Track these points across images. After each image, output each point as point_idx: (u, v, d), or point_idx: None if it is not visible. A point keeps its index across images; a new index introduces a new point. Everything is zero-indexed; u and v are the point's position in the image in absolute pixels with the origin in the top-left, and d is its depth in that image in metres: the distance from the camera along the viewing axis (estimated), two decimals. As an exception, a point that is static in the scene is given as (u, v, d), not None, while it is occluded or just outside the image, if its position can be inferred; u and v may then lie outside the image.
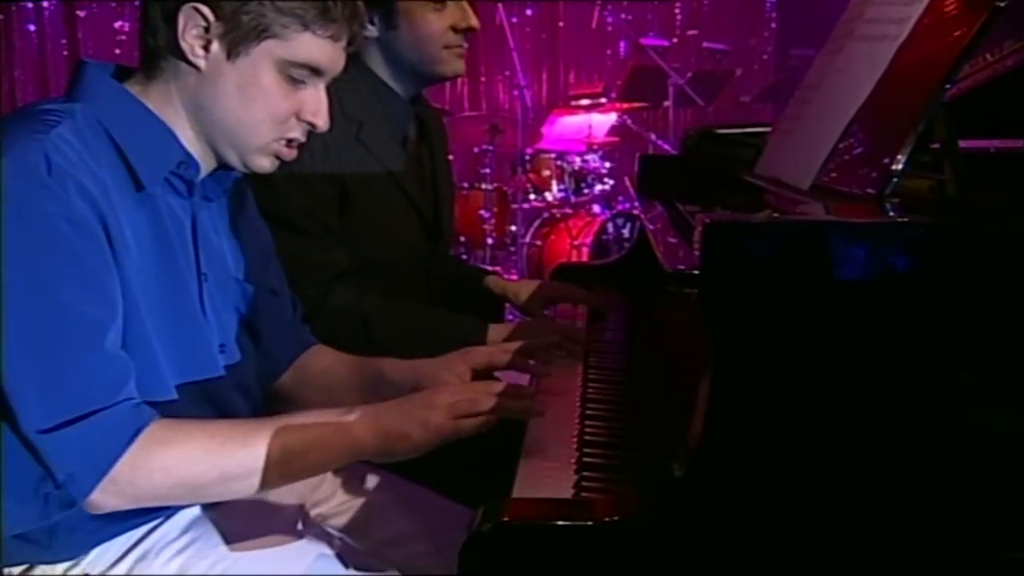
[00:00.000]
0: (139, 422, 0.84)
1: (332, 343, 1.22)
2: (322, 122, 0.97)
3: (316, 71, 0.95)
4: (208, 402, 0.96)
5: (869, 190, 0.92)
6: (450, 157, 1.63)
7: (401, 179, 1.41)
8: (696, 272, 0.74)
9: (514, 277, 4.44)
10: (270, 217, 1.16)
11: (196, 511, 0.98)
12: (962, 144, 0.91)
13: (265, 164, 0.98)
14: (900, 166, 0.89)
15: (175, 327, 0.92)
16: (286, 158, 0.99)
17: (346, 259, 1.35)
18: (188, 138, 0.95)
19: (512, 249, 4.45)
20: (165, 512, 0.95)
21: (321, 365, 1.16)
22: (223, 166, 0.99)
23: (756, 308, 0.74)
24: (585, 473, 0.88)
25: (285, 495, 1.06)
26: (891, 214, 0.85)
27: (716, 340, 0.74)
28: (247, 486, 0.87)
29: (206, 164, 0.97)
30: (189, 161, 0.95)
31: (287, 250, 1.20)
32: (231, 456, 0.85)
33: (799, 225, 0.76)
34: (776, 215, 0.90)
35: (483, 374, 1.10)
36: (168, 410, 0.88)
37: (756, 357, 0.74)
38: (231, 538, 0.96)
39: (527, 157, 4.41)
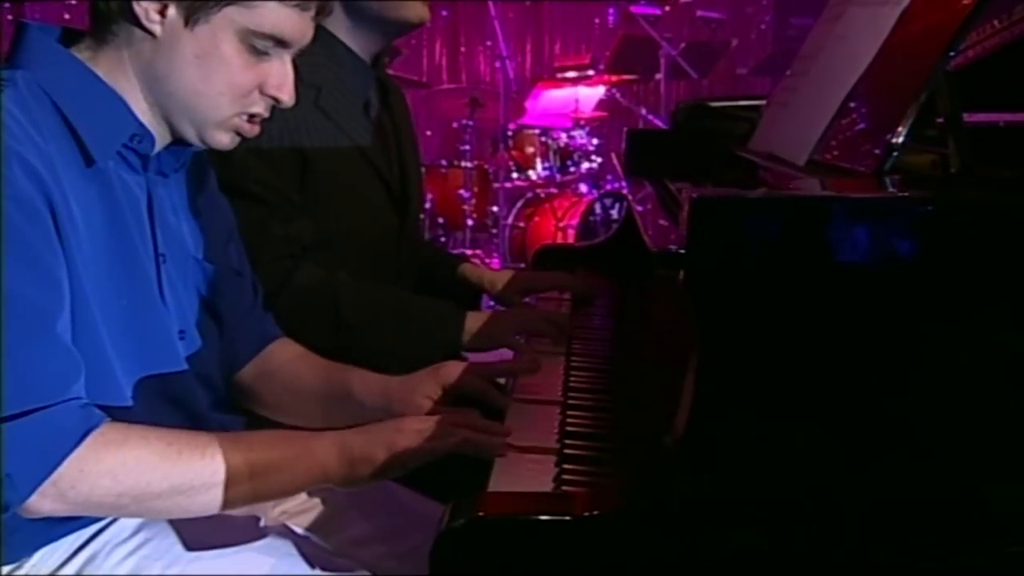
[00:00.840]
0: (89, 423, 0.82)
1: (298, 323, 1.21)
2: (287, 97, 0.96)
3: (281, 42, 0.93)
4: (166, 396, 0.95)
5: (868, 165, 0.92)
6: (427, 133, 1.62)
7: (364, 148, 1.40)
8: (682, 252, 0.74)
9: (495, 261, 4.44)
10: (228, 188, 1.15)
11: (150, 509, 0.96)
12: (968, 117, 0.91)
13: (224, 140, 0.96)
14: (901, 139, 0.89)
15: (130, 316, 0.90)
16: (247, 134, 0.97)
17: (310, 233, 1.34)
18: (142, 109, 0.93)
19: (493, 231, 4.44)
20: (113, 512, 0.94)
21: (284, 357, 1.15)
22: (180, 140, 0.97)
23: (746, 290, 0.74)
24: (566, 466, 0.88)
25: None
26: (891, 189, 0.85)
27: (703, 325, 0.74)
28: (200, 503, 0.85)
29: (161, 137, 0.95)
30: (143, 133, 0.93)
31: (247, 223, 1.19)
32: (187, 466, 0.84)
33: (792, 201, 0.76)
34: (768, 191, 0.90)
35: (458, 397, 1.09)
36: (121, 412, 0.86)
37: (745, 343, 0.74)
38: (188, 538, 0.95)
39: (509, 133, 4.40)
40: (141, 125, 0.93)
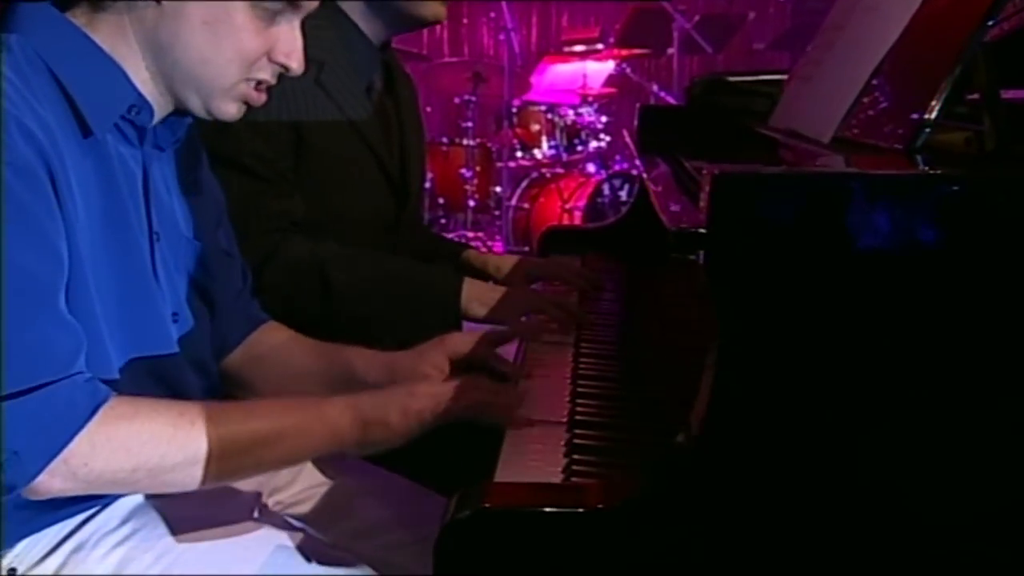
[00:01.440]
0: (97, 397, 0.82)
1: (286, 295, 1.21)
2: (296, 64, 0.95)
3: (293, 3, 0.92)
4: (157, 378, 0.95)
5: (898, 143, 0.91)
6: (428, 109, 1.61)
7: (363, 130, 1.40)
8: (702, 232, 0.73)
9: (498, 244, 4.44)
10: (221, 159, 1.15)
11: (138, 498, 0.97)
12: (1006, 93, 0.90)
13: (231, 110, 0.96)
14: (933, 115, 0.88)
15: (124, 295, 0.90)
16: (254, 103, 0.97)
17: (302, 209, 1.34)
18: (141, 79, 0.92)
19: (496, 213, 4.44)
20: (103, 500, 0.94)
21: (274, 341, 1.15)
22: (177, 111, 0.96)
23: (769, 273, 0.73)
24: (576, 456, 0.88)
25: (240, 482, 1.05)
26: (922, 168, 0.84)
27: (723, 310, 0.73)
28: (215, 472, 0.86)
29: (160, 109, 0.95)
30: (142, 104, 0.92)
31: (239, 195, 1.19)
32: (201, 436, 0.84)
33: (818, 178, 0.75)
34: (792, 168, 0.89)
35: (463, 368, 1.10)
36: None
37: (768, 329, 0.73)
38: (178, 528, 0.95)
39: (514, 110, 4.38)
40: (140, 96, 0.92)
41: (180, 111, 0.96)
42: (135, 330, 0.92)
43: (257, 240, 1.26)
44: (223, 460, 0.85)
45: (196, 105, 0.94)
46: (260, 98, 0.97)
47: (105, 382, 0.86)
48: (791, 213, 0.73)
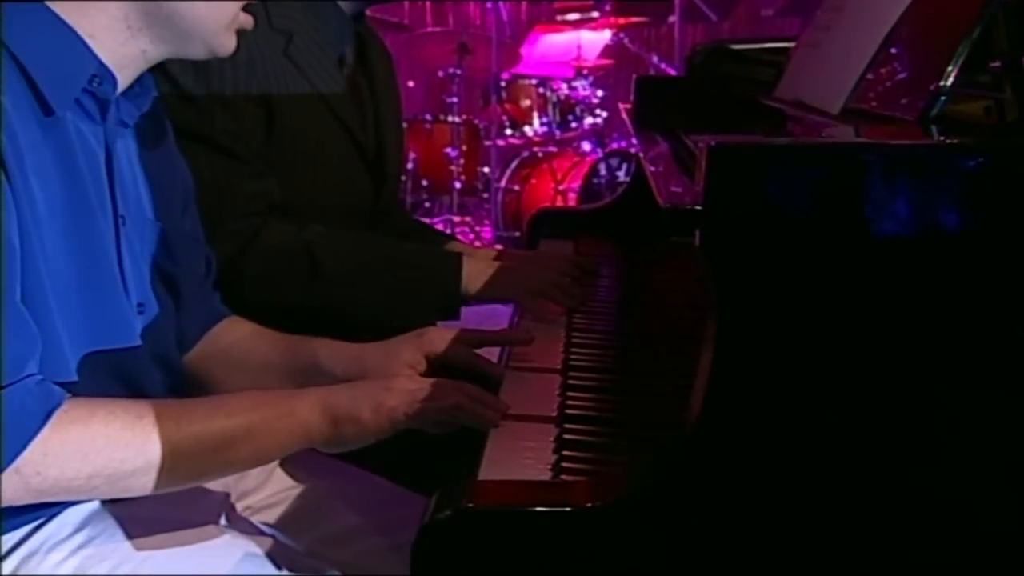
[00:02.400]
0: (50, 401, 0.82)
1: (270, 283, 1.21)
2: None
3: None
4: (117, 377, 0.94)
5: (911, 113, 0.91)
6: (409, 83, 1.61)
7: (335, 106, 1.39)
8: (698, 209, 0.73)
9: (486, 230, 4.44)
10: (192, 138, 1.16)
11: (94, 504, 0.97)
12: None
13: (233, 43, 0.97)
14: (949, 82, 0.88)
15: (84, 286, 0.90)
16: (247, 27, 0.99)
17: (276, 192, 1.34)
18: (107, 44, 0.91)
19: (484, 195, 4.44)
20: (55, 507, 0.94)
21: (235, 335, 1.15)
22: (138, 82, 0.96)
23: (771, 253, 0.73)
24: (566, 452, 0.88)
25: (208, 484, 1.05)
26: (938, 138, 0.85)
27: (721, 294, 0.74)
28: (178, 476, 0.86)
29: (124, 77, 0.94)
30: (104, 75, 0.92)
31: (211, 175, 1.18)
32: (162, 439, 0.84)
33: (823, 149, 0.75)
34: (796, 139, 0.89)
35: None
36: (67, 390, 0.86)
37: (770, 314, 0.74)
38: (138, 534, 0.95)
39: (502, 84, 4.38)
40: (101, 65, 0.91)
41: (140, 81, 0.96)
42: (95, 323, 0.91)
43: (234, 224, 1.26)
44: (187, 463, 0.85)
45: (198, 48, 0.95)
46: (249, 21, 0.99)
47: (61, 384, 0.85)
48: (794, 187, 0.73)
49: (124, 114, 0.97)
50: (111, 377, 0.94)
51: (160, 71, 1.08)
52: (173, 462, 0.85)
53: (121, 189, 0.95)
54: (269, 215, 1.32)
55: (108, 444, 0.83)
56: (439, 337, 1.08)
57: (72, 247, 0.88)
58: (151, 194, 1.03)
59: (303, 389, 0.94)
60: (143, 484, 0.86)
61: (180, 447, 0.85)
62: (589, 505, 0.74)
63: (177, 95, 1.22)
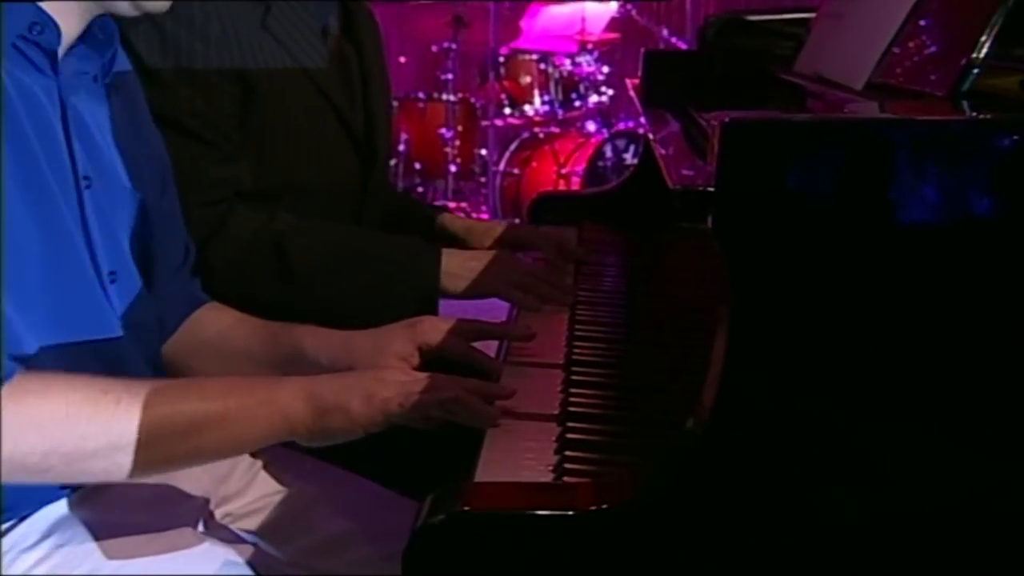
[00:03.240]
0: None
1: (235, 276, 1.21)
2: None
3: None
4: (91, 354, 0.93)
5: (941, 87, 0.91)
6: (401, 59, 1.60)
7: (320, 80, 1.39)
8: (710, 191, 0.73)
9: (484, 218, 4.44)
10: (157, 119, 1.15)
11: (62, 508, 0.97)
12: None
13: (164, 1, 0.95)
14: (982, 54, 0.88)
15: (38, 251, 0.88)
16: None
17: (249, 177, 1.34)
18: None
19: (482, 180, 4.44)
20: (19, 511, 0.94)
21: (217, 325, 1.15)
22: (99, 31, 0.95)
23: (788, 237, 0.73)
24: (568, 452, 0.88)
25: (183, 486, 1.06)
26: (969, 113, 0.85)
27: (735, 282, 0.74)
28: (143, 461, 0.85)
29: (65, 26, 0.93)
30: (44, 21, 0.91)
31: (178, 159, 1.18)
32: (127, 417, 0.83)
33: (845, 125, 0.75)
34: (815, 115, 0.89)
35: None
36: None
37: (786, 303, 0.74)
38: (110, 542, 0.95)
39: (501, 59, 4.37)
40: (40, 11, 0.91)
41: (101, 28, 0.95)
42: (56, 293, 0.90)
43: (198, 213, 1.26)
44: (154, 446, 0.84)
45: (124, 6, 0.93)
46: None
47: (18, 358, 0.85)
48: (814, 168, 0.73)
49: (79, 67, 0.96)
50: (83, 355, 0.92)
51: (126, 48, 1.08)
52: (139, 443, 0.84)
53: (87, 148, 0.95)
54: (236, 202, 1.32)
55: (67, 418, 0.82)
56: (433, 328, 1.08)
57: (17, 211, 0.87)
58: (126, 164, 1.03)
59: (287, 378, 0.94)
60: (104, 467, 0.84)
61: (148, 428, 0.84)
62: (593, 509, 0.74)
63: (143, 73, 1.22)
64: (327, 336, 1.10)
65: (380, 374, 0.94)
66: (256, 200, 1.34)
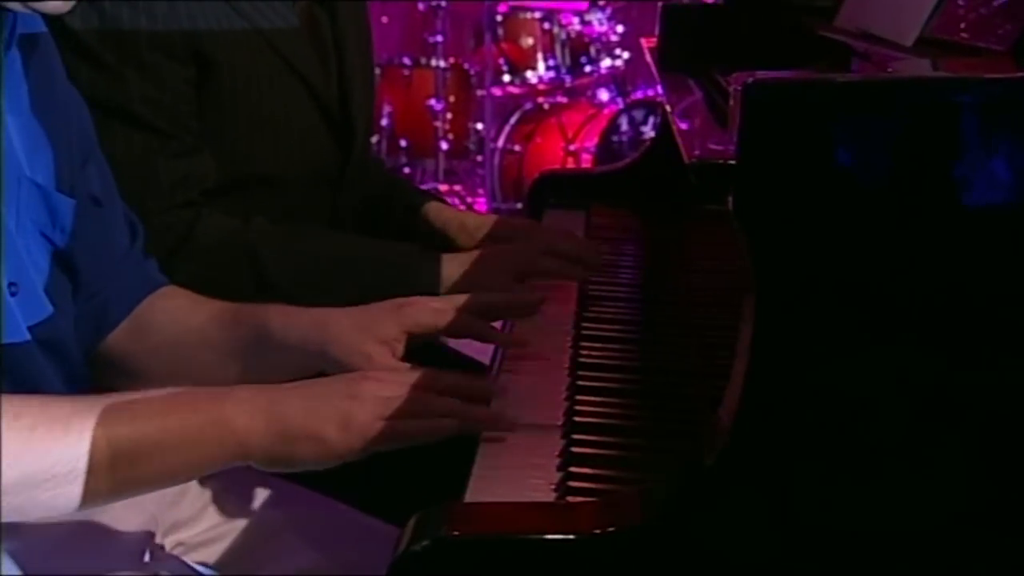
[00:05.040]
0: None
1: (205, 291, 1.20)
2: None
3: None
4: None
5: (1003, 41, 0.91)
6: (383, 19, 1.59)
7: (287, 51, 1.39)
8: (731, 164, 0.73)
9: (480, 202, 4.45)
10: (103, 110, 1.15)
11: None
12: None
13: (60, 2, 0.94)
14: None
15: None
16: None
17: (213, 171, 1.34)
18: None
19: (478, 159, 4.45)
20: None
21: (166, 307, 1.15)
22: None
23: (822, 219, 0.73)
24: (572, 468, 0.89)
25: (126, 514, 1.06)
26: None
27: (760, 270, 0.74)
28: (65, 498, 0.85)
29: None
30: None
31: (127, 157, 1.18)
32: (44, 447, 0.84)
33: (889, 87, 0.75)
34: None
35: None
36: None
37: (819, 295, 0.74)
38: (40, 577, 0.96)
39: (499, 18, 4.37)
40: None
41: None
42: None
43: (159, 220, 1.26)
44: (75, 480, 0.84)
45: (16, 4, 0.93)
46: None
47: None
48: (852, 136, 0.73)
49: None
50: None
51: (63, 34, 1.08)
52: (55, 478, 0.84)
53: None
54: (203, 206, 1.32)
55: (5, 448, 0.82)
56: (424, 310, 1.08)
57: None
58: (32, 147, 1.02)
59: (237, 387, 0.93)
60: (18, 504, 0.84)
61: (66, 459, 0.84)
62: (599, 532, 0.74)
63: (82, 60, 1.22)
64: (298, 314, 1.09)
65: (353, 388, 0.93)
66: (217, 195, 1.34)
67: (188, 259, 1.28)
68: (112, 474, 0.86)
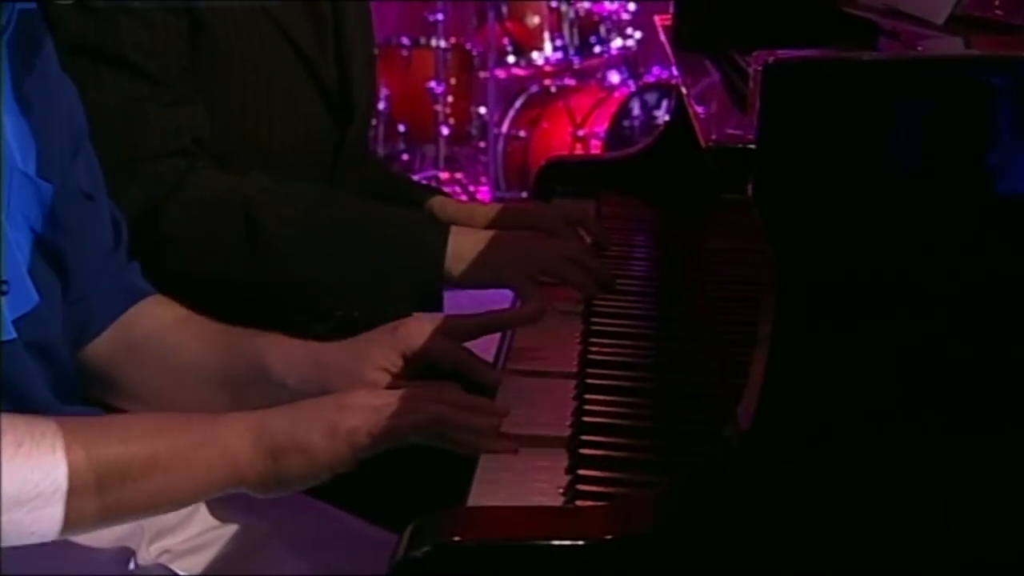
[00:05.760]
0: None
1: (194, 247, 1.21)
2: None
3: None
4: None
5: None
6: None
7: (284, 21, 1.40)
8: (750, 148, 0.73)
9: (483, 190, 4.45)
10: (92, 55, 1.16)
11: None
12: None
13: None
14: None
15: None
16: None
17: (207, 123, 1.35)
18: None
19: (481, 144, 4.45)
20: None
21: (158, 322, 1.15)
22: None
23: (846, 206, 0.73)
24: (582, 471, 0.89)
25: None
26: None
27: (781, 260, 0.74)
28: (48, 520, 0.86)
29: None
30: None
31: (119, 103, 1.19)
32: (30, 466, 0.84)
33: (918, 67, 0.75)
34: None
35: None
36: None
37: (843, 286, 0.74)
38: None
39: (503, -6, 4.37)
40: None
41: None
42: None
43: (150, 167, 1.27)
44: (59, 502, 0.85)
45: None
46: None
47: None
48: (880, 120, 0.73)
49: None
50: None
51: None
52: (41, 499, 0.84)
53: None
54: (197, 155, 1.33)
55: None
56: (419, 330, 1.09)
57: None
58: (22, 137, 1.02)
59: (227, 414, 0.94)
60: (29, 524, 0.85)
61: (53, 479, 0.84)
62: (610, 538, 0.75)
63: (73, 5, 1.23)
64: (296, 350, 1.11)
65: (342, 400, 0.95)
66: (211, 158, 1.35)
67: (178, 211, 1.29)
68: (100, 496, 0.87)
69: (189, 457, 0.90)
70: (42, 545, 0.97)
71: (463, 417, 0.94)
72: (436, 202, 1.58)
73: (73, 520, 0.87)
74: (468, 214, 1.55)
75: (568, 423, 0.99)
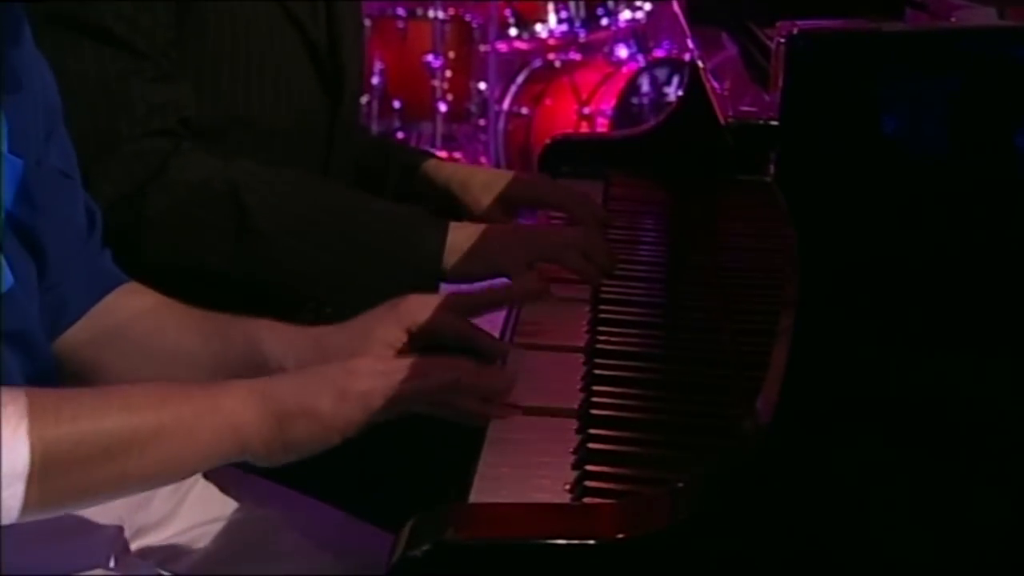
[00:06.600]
0: None
1: (178, 233, 1.20)
2: None
3: None
4: None
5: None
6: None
7: None
8: (773, 124, 0.73)
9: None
10: (72, 27, 1.16)
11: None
12: None
13: None
14: None
15: None
16: None
17: (193, 102, 1.34)
18: None
19: (481, 122, 4.44)
20: None
21: (136, 309, 1.16)
22: None
23: (873, 188, 0.73)
24: (589, 467, 0.89)
25: (92, 515, 1.06)
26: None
27: (804, 245, 0.74)
28: (55, 491, 0.86)
29: None
30: None
31: (100, 77, 1.19)
32: (32, 437, 0.84)
33: (951, 39, 0.75)
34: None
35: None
36: None
37: (869, 273, 0.74)
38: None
39: (505, -37, 4.36)
40: None
41: None
42: None
43: (133, 147, 1.27)
44: (67, 471, 0.86)
45: None
46: None
47: None
48: (909, 95, 0.73)
49: None
50: None
51: None
52: (47, 469, 0.85)
53: None
54: (182, 136, 1.33)
55: None
56: (421, 305, 1.10)
57: None
58: None
59: (230, 381, 0.95)
60: (3, 502, 0.85)
61: (58, 449, 0.85)
62: (621, 537, 0.75)
63: None
64: (292, 333, 1.11)
65: (350, 365, 0.96)
66: (195, 141, 1.35)
67: (161, 194, 1.28)
68: (109, 464, 0.87)
69: (193, 426, 0.90)
70: (20, 540, 0.98)
71: (474, 381, 0.95)
72: (430, 165, 1.58)
73: (92, 492, 0.89)
74: (462, 180, 1.55)
75: (575, 415, 0.99)
